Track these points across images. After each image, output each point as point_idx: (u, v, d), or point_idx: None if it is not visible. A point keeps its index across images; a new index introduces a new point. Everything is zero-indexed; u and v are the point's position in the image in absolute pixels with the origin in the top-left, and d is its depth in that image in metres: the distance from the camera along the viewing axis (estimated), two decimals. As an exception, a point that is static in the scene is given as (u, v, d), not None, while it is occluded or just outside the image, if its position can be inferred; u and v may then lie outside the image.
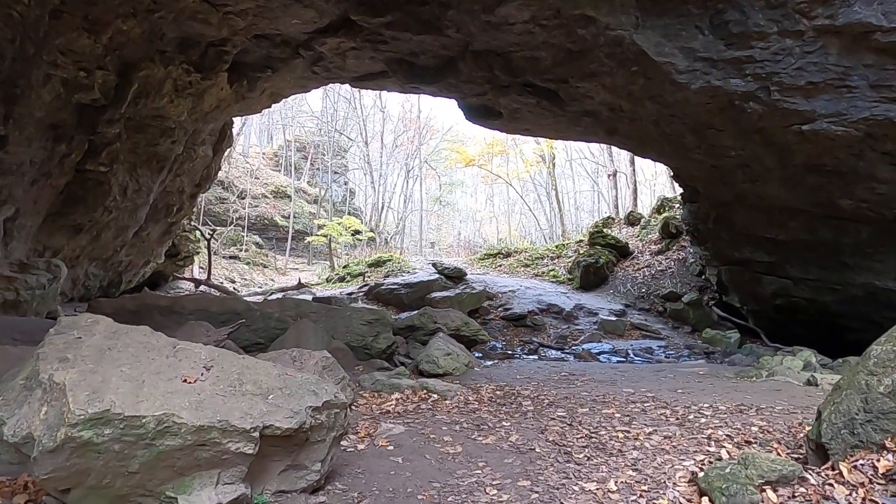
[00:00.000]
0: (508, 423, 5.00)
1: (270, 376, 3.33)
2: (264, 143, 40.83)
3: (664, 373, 8.21)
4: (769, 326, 12.86)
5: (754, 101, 8.86)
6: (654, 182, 33.33)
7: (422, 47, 12.27)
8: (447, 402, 5.89)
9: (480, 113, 13.99)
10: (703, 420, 4.99)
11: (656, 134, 10.83)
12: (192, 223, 19.72)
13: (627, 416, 5.25)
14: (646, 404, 5.67)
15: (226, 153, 22.79)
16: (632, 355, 11.16)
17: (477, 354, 10.74)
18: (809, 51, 8.28)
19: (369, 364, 8.09)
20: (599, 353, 11.23)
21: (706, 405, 5.54)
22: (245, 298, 9.37)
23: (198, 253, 22.48)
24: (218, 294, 19.26)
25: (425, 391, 6.17)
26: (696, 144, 10.36)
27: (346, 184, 37.72)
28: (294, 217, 31.90)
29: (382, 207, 36.50)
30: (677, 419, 5.07)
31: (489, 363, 9.61)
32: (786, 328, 12.52)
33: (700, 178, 11.52)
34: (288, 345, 7.76)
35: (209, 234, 18.93)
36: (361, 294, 14.71)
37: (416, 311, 10.35)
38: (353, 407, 5.72)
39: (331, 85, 34.92)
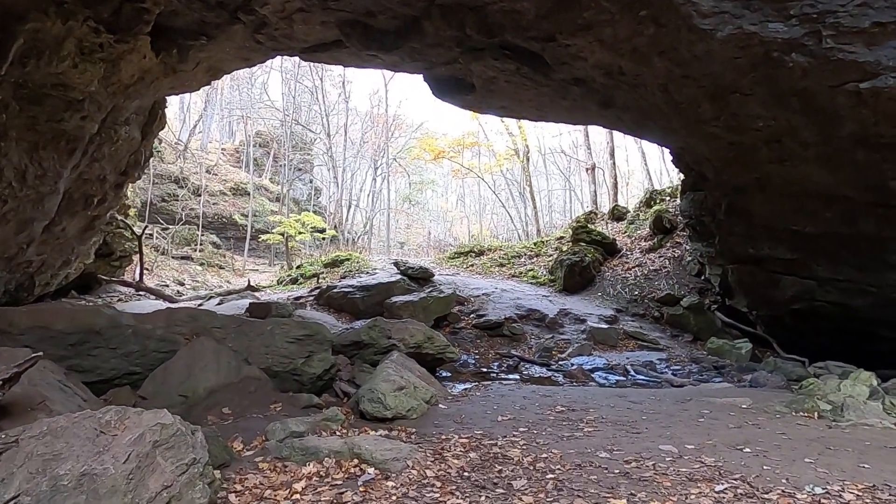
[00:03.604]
0: (495, 553, 2.60)
1: None
2: (225, 138, 37.74)
3: (692, 404, 5.93)
4: (782, 334, 10.78)
5: (799, 51, 6.65)
6: (629, 179, 31.42)
7: (379, 4, 9.83)
8: (389, 483, 3.47)
9: (450, 87, 11.59)
10: (841, 534, 2.67)
11: (663, 103, 8.59)
12: (125, 219, 16.89)
13: (699, 518, 2.91)
14: (716, 487, 3.34)
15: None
16: (632, 372, 8.90)
17: (444, 373, 8.36)
18: (879, -20, 6.13)
19: (292, 400, 5.61)
20: (593, 371, 8.94)
21: (819, 489, 3.23)
22: (115, 309, 6.80)
23: (136, 252, 19.64)
24: (155, 298, 16.53)
25: (356, 461, 3.74)
26: (713, 115, 8.13)
27: (310, 181, 34.88)
28: (255, 215, 29.04)
29: (350, 206, 33.85)
30: (792, 530, 2.74)
31: (459, 388, 7.22)
32: (803, 336, 10.43)
33: (712, 159, 9.32)
34: (173, 376, 5.26)
35: (141, 230, 16.13)
36: (311, 298, 12.24)
37: (366, 322, 7.90)
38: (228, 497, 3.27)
39: (292, 76, 32.24)
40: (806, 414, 5.64)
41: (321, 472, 3.64)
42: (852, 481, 3.36)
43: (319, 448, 3.85)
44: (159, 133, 29.96)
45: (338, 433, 4.70)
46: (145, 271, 21.39)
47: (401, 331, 7.25)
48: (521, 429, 4.94)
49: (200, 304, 13.84)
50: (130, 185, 16.95)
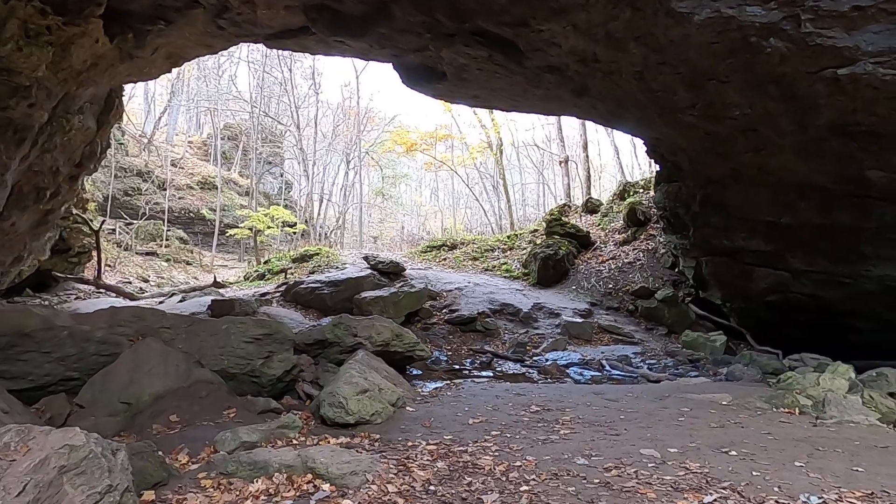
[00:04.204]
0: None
1: None
2: (192, 130, 36.58)
3: (671, 401, 5.69)
4: (755, 326, 10.67)
5: (777, 36, 6.45)
6: (602, 173, 31.40)
7: (346, -13, 9.39)
8: (345, 501, 3.10)
9: (420, 75, 11.16)
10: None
11: (638, 91, 8.32)
12: (83, 214, 16.06)
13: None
14: (704, 497, 3.05)
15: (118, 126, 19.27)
16: (607, 367, 8.67)
17: (415, 372, 8.01)
18: (859, -38, 5.94)
19: (248, 405, 5.19)
20: (568, 366, 8.68)
21: (815, 497, 2.96)
22: (52, 308, 6.26)
23: (95, 248, 18.84)
24: (115, 296, 15.81)
25: (310, 476, 3.35)
26: (690, 103, 7.90)
27: (281, 175, 34.03)
28: (224, 210, 28.15)
29: (322, 200, 33.16)
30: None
31: (429, 388, 6.87)
32: (776, 329, 10.34)
33: (687, 149, 9.11)
34: (115, 381, 4.80)
35: (99, 225, 15.35)
36: (278, 294, 11.73)
37: (330, 320, 7.49)
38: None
39: (261, 67, 31.35)
40: (787, 410, 5.44)
41: (270, 490, 3.25)
42: (848, 488, 3.10)
43: (270, 462, 3.45)
44: (121, 124, 28.78)
45: (295, 441, 4.30)
46: (107, 268, 20.54)
47: (367, 328, 6.86)
48: (494, 432, 4.60)
49: (161, 302, 13.22)
50: (88, 177, 16.14)
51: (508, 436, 4.50)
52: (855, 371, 7.17)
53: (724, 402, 5.54)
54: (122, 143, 28.22)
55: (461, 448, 4.13)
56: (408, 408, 5.23)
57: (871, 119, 6.79)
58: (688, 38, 6.94)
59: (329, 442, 4.29)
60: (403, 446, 4.21)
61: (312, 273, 13.28)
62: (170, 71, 14.24)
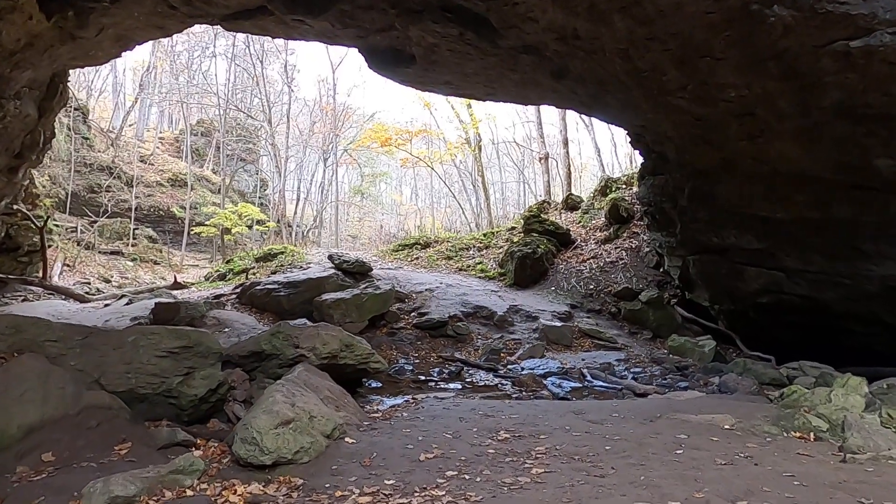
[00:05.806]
0: None
1: None
2: (164, 126, 35.04)
3: (664, 424, 4.77)
4: (744, 330, 9.86)
5: (781, 3, 5.58)
6: (582, 173, 30.60)
7: (302, -42, 8.39)
8: None
9: (387, 59, 10.14)
10: None
11: (623, 72, 7.41)
12: (32, 209, 14.73)
13: None
14: None
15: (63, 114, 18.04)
16: (589, 377, 7.74)
17: (374, 384, 7.01)
18: (878, -86, 5.08)
19: (148, 437, 4.14)
20: (546, 376, 7.74)
21: None
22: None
23: (51, 246, 17.49)
24: (64, 298, 14.52)
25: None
26: (680, 84, 7.01)
27: (256, 173, 32.70)
28: (195, 208, 26.80)
29: (298, 198, 31.92)
30: None
31: (385, 405, 5.88)
32: (766, 332, 9.55)
33: (675, 137, 8.22)
34: (-29, 411, 3.70)
35: (43, 221, 14.00)
36: (234, 296, 10.64)
37: (268, 328, 6.45)
38: None
39: (234, 59, 30.05)
40: (800, 435, 4.55)
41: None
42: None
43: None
44: (87, 118, 27.12)
45: (189, 492, 3.29)
46: (66, 268, 19.18)
47: (311, 338, 5.83)
48: (450, 472, 3.63)
49: (109, 304, 12.04)
50: (33, 170, 14.84)
51: (467, 478, 3.53)
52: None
53: (726, 426, 4.63)
54: (86, 138, 26.74)
55: (403, 501, 3.15)
56: (347, 439, 4.22)
57: (882, 100, 5.95)
58: (680, 8, 6.04)
59: (235, 491, 3.29)
60: (329, 498, 3.21)
61: (275, 273, 12.19)
62: (119, 55, 12.98)
